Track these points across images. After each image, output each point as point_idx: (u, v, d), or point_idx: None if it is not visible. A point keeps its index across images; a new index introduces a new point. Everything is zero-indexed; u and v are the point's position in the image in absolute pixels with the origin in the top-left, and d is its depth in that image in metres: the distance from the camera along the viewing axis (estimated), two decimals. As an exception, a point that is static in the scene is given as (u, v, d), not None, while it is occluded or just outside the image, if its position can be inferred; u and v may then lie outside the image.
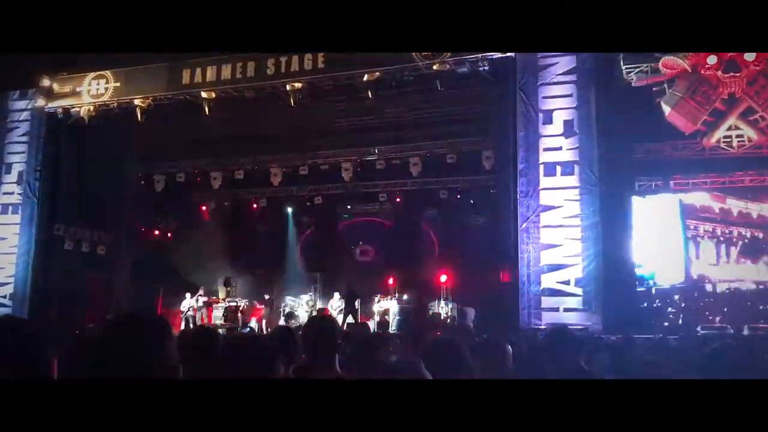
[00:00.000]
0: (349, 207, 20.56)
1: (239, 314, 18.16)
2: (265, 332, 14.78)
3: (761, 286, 12.80)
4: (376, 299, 17.93)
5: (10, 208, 15.68)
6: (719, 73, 12.28)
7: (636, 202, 13.15)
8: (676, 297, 13.20)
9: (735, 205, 13.37)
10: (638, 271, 12.75)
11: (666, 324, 12.52)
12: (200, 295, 18.15)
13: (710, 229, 13.21)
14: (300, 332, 3.65)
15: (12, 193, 15.71)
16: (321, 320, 4.21)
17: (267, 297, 18.24)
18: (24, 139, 15.87)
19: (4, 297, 15.22)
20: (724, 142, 12.47)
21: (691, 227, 13.29)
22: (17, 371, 1.93)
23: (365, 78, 13.25)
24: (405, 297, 18.23)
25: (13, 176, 15.78)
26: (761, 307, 12.55)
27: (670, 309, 13.08)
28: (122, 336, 2.00)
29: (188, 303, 17.56)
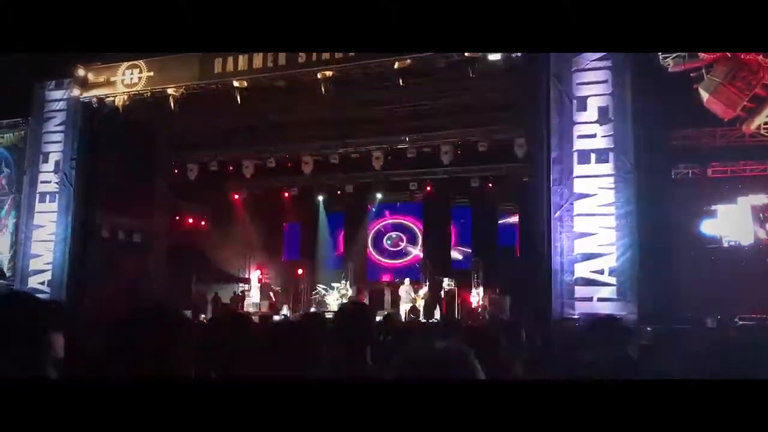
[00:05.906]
0: (379, 196, 20.55)
1: (275, 301, 18.41)
2: (297, 320, 14.87)
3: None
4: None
5: (48, 196, 15.97)
6: (760, 57, 11.94)
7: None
8: (711, 287, 12.90)
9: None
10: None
11: (703, 315, 12.26)
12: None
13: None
14: (332, 320, 3.45)
15: (49, 182, 15.99)
16: (354, 308, 3.89)
17: (300, 286, 18.36)
18: (60, 128, 16.11)
19: (43, 284, 15.52)
20: (764, 128, 12.13)
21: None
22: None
23: (396, 66, 13.17)
24: (436, 285, 18.24)
25: (50, 165, 16.06)
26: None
27: (705, 298, 12.79)
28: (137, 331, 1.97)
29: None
